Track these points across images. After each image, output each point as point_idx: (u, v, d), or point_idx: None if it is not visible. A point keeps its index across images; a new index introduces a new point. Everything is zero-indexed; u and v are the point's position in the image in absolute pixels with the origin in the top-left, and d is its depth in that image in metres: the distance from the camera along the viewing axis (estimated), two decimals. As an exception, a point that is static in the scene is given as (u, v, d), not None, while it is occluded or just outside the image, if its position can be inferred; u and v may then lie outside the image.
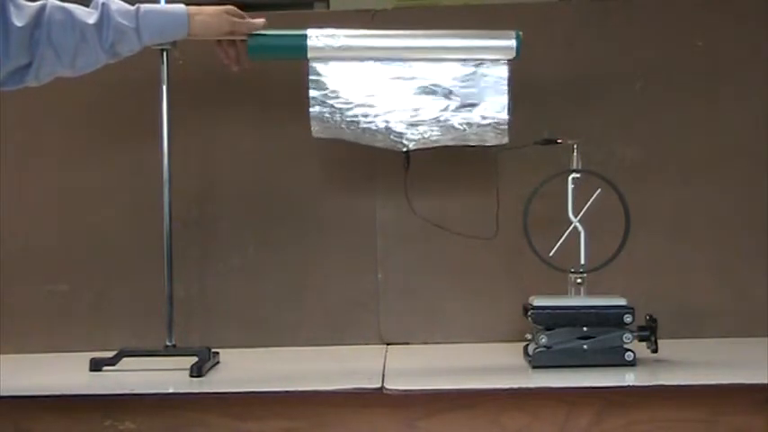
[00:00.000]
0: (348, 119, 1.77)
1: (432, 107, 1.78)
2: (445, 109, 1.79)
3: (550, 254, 1.81)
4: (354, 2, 2.51)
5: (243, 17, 1.74)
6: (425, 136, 1.79)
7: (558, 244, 1.81)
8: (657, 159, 2.12)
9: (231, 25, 1.71)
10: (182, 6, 1.69)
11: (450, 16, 2.18)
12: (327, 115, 1.77)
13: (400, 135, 1.78)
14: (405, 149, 1.80)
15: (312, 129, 1.78)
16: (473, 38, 1.80)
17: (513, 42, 1.78)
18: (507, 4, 2.16)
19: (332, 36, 1.77)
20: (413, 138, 1.79)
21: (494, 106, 1.78)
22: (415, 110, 1.78)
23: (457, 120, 1.78)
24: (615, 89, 2.12)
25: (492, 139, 1.80)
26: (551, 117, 2.10)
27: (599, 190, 1.82)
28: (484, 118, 1.78)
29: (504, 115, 1.79)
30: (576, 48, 2.13)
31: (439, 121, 1.78)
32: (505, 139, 1.80)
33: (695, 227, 2.11)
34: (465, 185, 2.11)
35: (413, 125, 1.78)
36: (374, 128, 1.78)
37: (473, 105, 1.79)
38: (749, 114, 2.11)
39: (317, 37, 1.76)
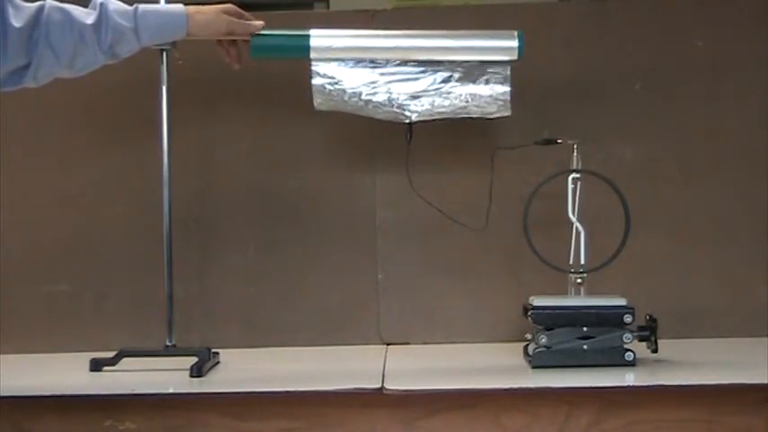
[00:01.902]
0: (350, 90, 1.78)
1: (435, 79, 1.79)
2: (448, 80, 1.79)
3: (570, 262, 1.81)
4: (354, 2, 2.50)
5: (242, 16, 1.74)
6: (428, 107, 1.79)
7: (572, 251, 1.81)
8: (657, 159, 2.12)
9: (229, 26, 1.71)
10: (180, 6, 1.69)
11: (450, 16, 2.18)
12: (329, 87, 1.77)
13: (402, 107, 1.79)
14: (407, 121, 1.80)
15: (314, 101, 1.78)
16: (475, 38, 1.80)
17: (515, 43, 1.78)
18: (507, 4, 2.16)
19: (334, 36, 1.78)
20: (415, 109, 1.79)
21: (496, 78, 1.79)
22: (418, 81, 1.79)
23: (459, 91, 1.79)
24: (615, 89, 2.12)
25: (495, 111, 1.80)
26: (551, 117, 2.10)
27: (579, 183, 1.82)
28: (486, 90, 1.79)
29: (507, 87, 1.79)
30: (575, 48, 2.13)
31: (441, 93, 1.79)
32: (508, 112, 1.80)
33: (695, 227, 2.11)
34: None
35: (415, 97, 1.79)
36: (376, 100, 1.78)
37: (476, 77, 1.79)
38: (749, 114, 2.11)
39: (319, 37, 1.77)
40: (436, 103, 1.79)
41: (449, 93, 1.79)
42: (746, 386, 1.59)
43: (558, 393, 1.62)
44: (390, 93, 1.79)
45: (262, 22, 1.75)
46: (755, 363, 1.75)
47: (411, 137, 1.82)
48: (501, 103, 1.80)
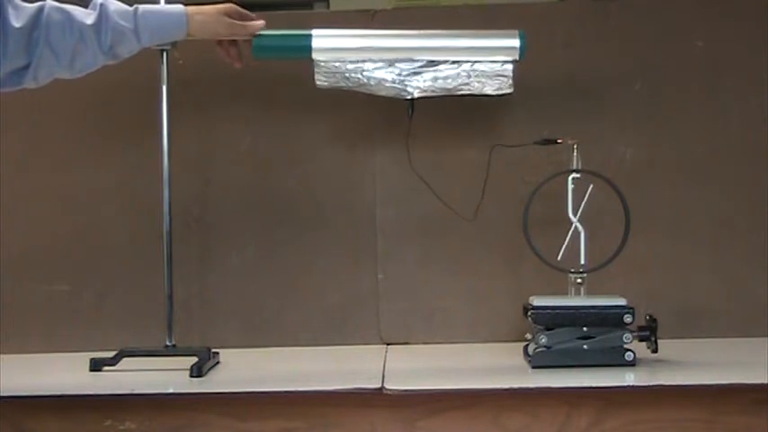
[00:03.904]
0: (352, 67, 1.77)
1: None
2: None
3: (558, 258, 1.81)
4: (354, 2, 2.51)
5: (243, 16, 1.73)
6: (429, 83, 1.78)
7: (564, 247, 1.81)
8: (657, 159, 2.12)
9: (229, 28, 1.71)
10: (180, 7, 1.69)
11: (450, 16, 2.18)
12: (331, 64, 1.77)
13: (404, 83, 1.78)
14: (409, 97, 1.80)
15: (315, 78, 1.78)
16: (477, 38, 1.80)
17: (516, 43, 1.78)
18: (507, 4, 2.16)
19: (335, 36, 1.78)
20: (417, 85, 1.79)
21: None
22: (420, 58, 1.79)
23: (462, 68, 1.78)
24: (615, 89, 2.12)
25: (497, 88, 1.79)
26: (551, 117, 2.10)
27: (590, 186, 1.82)
28: (489, 67, 1.78)
29: (509, 64, 1.79)
30: (576, 48, 2.13)
31: (443, 70, 1.78)
32: (510, 89, 1.80)
33: (695, 227, 2.11)
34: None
35: (417, 73, 1.78)
36: (378, 76, 1.78)
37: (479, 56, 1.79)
38: (749, 114, 2.11)
39: (320, 37, 1.77)
40: (438, 79, 1.79)
41: (452, 69, 1.79)
42: (746, 386, 1.59)
43: (558, 393, 1.62)
44: (392, 70, 1.78)
45: (262, 22, 1.75)
46: (755, 363, 1.75)
47: (413, 113, 1.81)
48: (503, 79, 1.79)
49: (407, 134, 1.83)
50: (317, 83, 1.78)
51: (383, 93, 1.80)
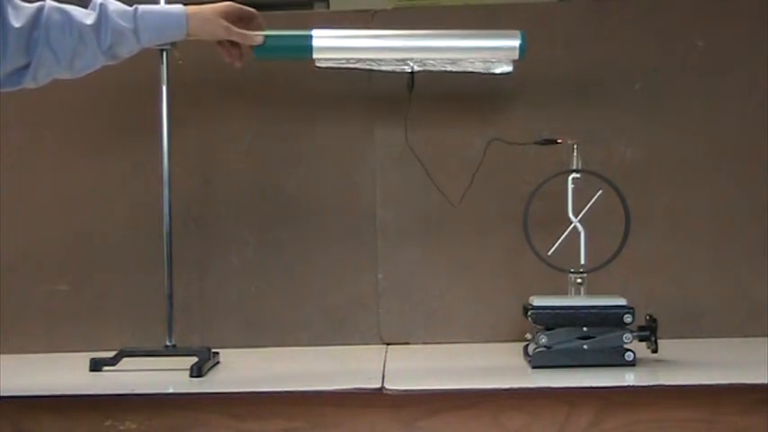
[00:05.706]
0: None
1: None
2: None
3: (549, 253, 1.81)
4: (354, 2, 2.51)
5: (244, 15, 1.73)
6: (430, 58, 1.78)
7: (558, 243, 1.81)
8: (657, 159, 2.12)
9: (226, 34, 1.70)
10: (180, 7, 1.68)
11: (450, 16, 2.18)
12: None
13: (405, 58, 1.78)
14: (409, 71, 1.79)
15: (315, 58, 1.77)
16: (477, 38, 1.80)
17: (517, 42, 1.78)
18: (507, 4, 2.16)
19: (336, 37, 1.78)
20: (417, 59, 1.79)
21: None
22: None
23: (464, 44, 1.78)
24: (615, 89, 2.12)
25: (497, 66, 1.79)
26: (551, 117, 2.10)
27: (600, 191, 1.82)
28: (492, 46, 1.78)
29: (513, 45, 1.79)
30: (575, 48, 2.13)
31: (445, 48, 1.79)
32: (510, 68, 1.79)
33: (695, 227, 2.11)
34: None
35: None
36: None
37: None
38: (749, 114, 2.11)
39: (321, 37, 1.77)
40: (439, 55, 1.78)
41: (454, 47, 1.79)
42: (746, 386, 1.59)
43: (558, 393, 1.62)
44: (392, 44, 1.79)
45: (261, 37, 1.74)
46: (755, 363, 1.75)
47: (413, 86, 1.81)
48: (505, 59, 1.79)
49: (407, 109, 1.83)
50: (317, 63, 1.78)
51: (384, 67, 1.79)
